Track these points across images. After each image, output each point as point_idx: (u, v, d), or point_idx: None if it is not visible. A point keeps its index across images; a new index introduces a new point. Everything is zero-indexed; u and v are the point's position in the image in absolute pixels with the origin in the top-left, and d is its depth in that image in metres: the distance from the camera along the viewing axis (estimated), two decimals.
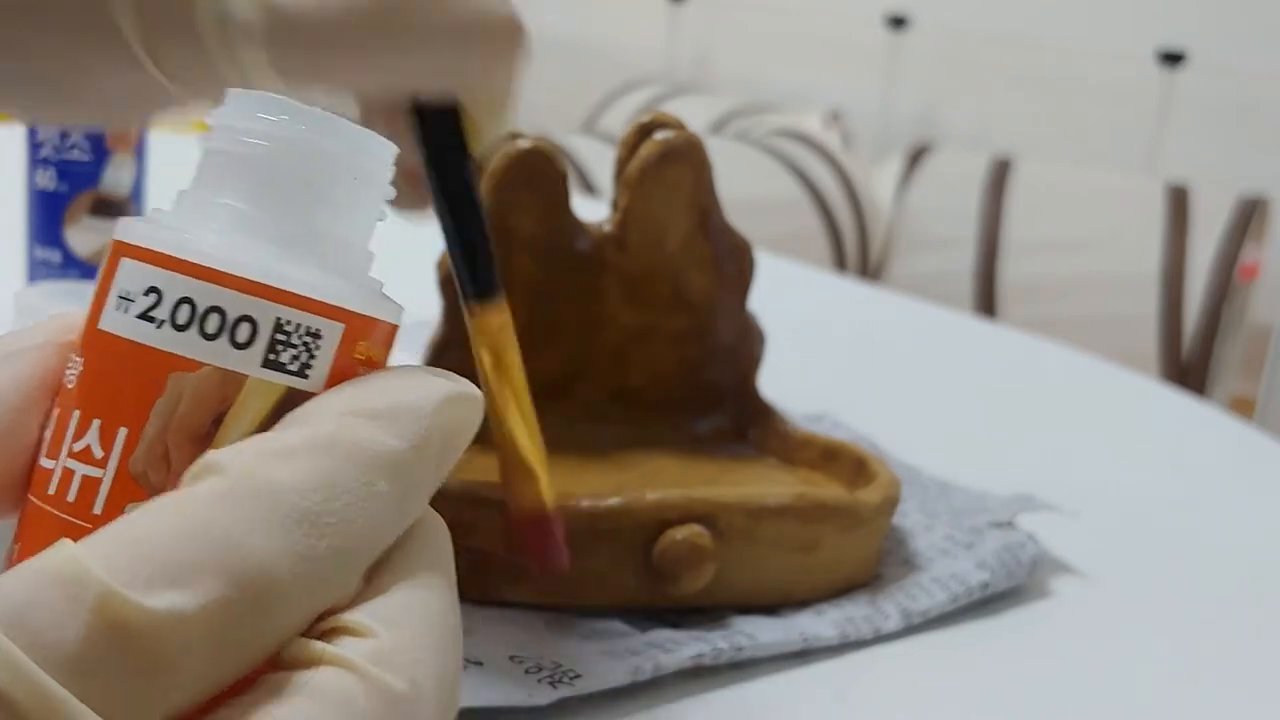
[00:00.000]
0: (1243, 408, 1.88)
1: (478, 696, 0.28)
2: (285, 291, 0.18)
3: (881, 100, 2.46)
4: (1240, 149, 2.15)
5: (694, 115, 2.13)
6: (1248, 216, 1.72)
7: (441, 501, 0.32)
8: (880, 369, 0.60)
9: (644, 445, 0.40)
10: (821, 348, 0.60)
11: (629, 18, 2.82)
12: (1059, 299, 1.78)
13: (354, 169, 0.19)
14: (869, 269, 1.91)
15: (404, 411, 0.17)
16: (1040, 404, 0.57)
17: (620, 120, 2.26)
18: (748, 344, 0.40)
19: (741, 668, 0.32)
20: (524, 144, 0.38)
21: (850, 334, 0.65)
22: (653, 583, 0.32)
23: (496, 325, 0.29)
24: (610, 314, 0.40)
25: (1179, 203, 1.77)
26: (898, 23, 2.41)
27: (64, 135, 0.50)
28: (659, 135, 0.38)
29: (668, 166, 0.38)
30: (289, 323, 0.18)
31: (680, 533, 0.32)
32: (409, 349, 0.49)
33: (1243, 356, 1.76)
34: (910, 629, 0.34)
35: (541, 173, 0.38)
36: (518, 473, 0.29)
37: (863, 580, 0.35)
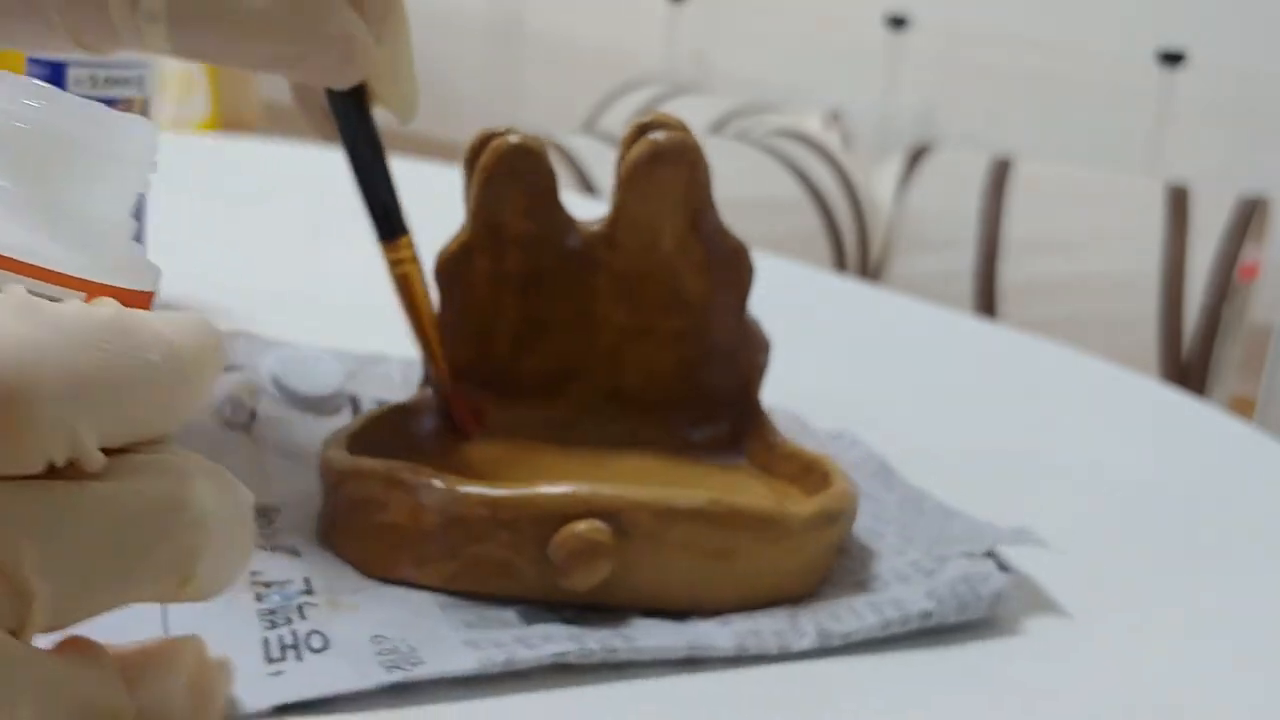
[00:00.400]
0: (1243, 408, 1.88)
1: (314, 675, 0.28)
2: (23, 263, 0.19)
3: (881, 100, 2.46)
4: (1240, 149, 2.15)
5: (694, 115, 2.14)
6: (1248, 216, 1.72)
7: (358, 480, 0.33)
8: (879, 369, 0.60)
9: (634, 447, 0.39)
10: (820, 348, 0.60)
11: (629, 18, 2.82)
12: (1059, 299, 1.78)
13: (108, 150, 0.21)
14: (869, 269, 1.91)
15: (176, 317, 0.20)
16: (1041, 404, 0.57)
17: (620, 120, 2.26)
18: (749, 352, 0.40)
19: (633, 667, 0.31)
20: (512, 140, 0.37)
21: (849, 334, 0.65)
22: (551, 576, 0.32)
23: (404, 256, 0.38)
24: (603, 313, 0.39)
25: (1179, 203, 1.77)
26: (898, 23, 2.41)
27: None
28: (651, 135, 0.37)
29: (657, 167, 0.37)
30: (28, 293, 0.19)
31: (579, 527, 0.31)
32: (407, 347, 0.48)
33: (1242, 356, 1.76)
34: (843, 650, 0.32)
35: (529, 169, 0.38)
36: (431, 363, 0.39)
37: (793, 596, 0.34)
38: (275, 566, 0.33)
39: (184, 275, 0.59)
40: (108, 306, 0.19)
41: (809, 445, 0.43)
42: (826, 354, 0.60)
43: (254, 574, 0.32)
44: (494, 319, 0.40)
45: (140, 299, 0.21)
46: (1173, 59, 2.14)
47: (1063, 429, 0.54)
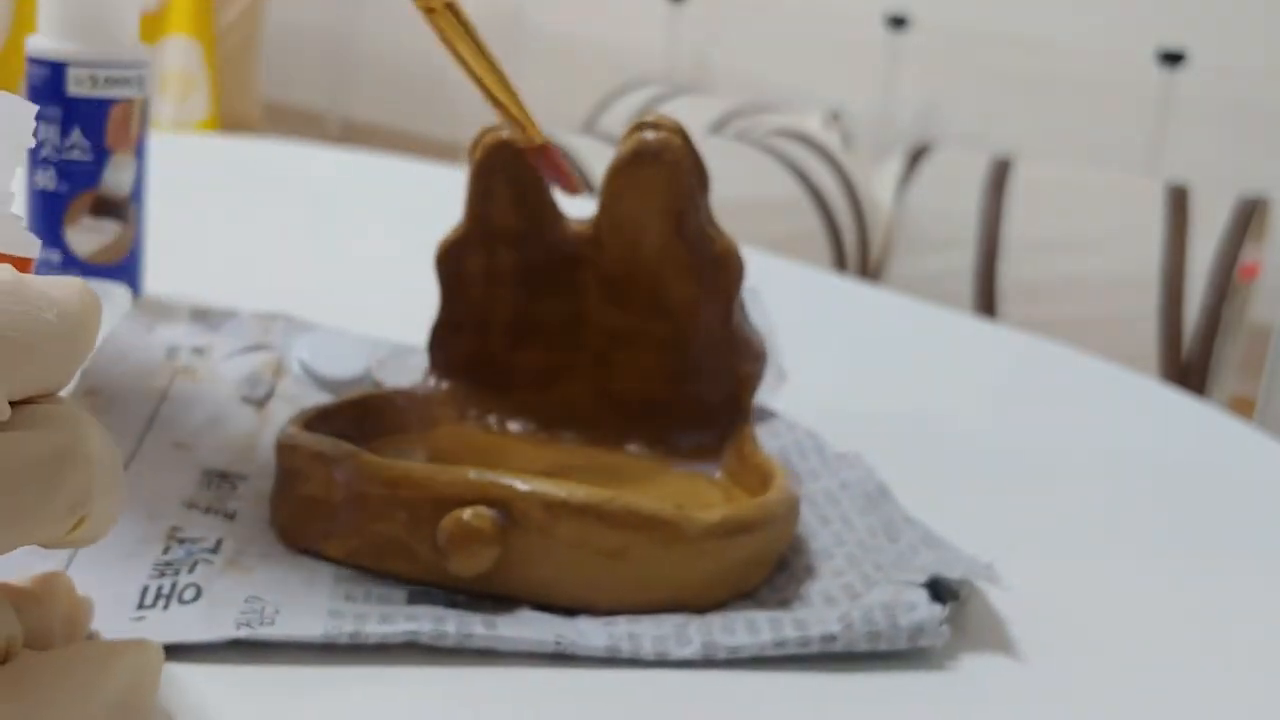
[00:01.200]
0: (1243, 407, 1.88)
1: (169, 624, 0.29)
2: None
3: (881, 100, 2.46)
4: (1240, 149, 2.15)
5: (694, 115, 2.14)
6: (1248, 216, 1.72)
7: (290, 452, 0.33)
8: (878, 369, 0.60)
9: (617, 449, 0.39)
10: (819, 348, 0.60)
11: (629, 18, 2.82)
12: (1059, 299, 1.78)
13: None
14: (869, 269, 1.92)
15: (59, 280, 0.21)
16: (1040, 404, 0.57)
17: (620, 120, 2.26)
18: (739, 360, 0.39)
19: (509, 659, 0.30)
20: (501, 134, 0.38)
21: (849, 334, 0.66)
22: (442, 560, 0.32)
23: (434, 4, 0.35)
24: (591, 312, 0.39)
25: (1179, 203, 1.77)
26: (898, 23, 2.41)
27: (64, 135, 0.50)
28: (639, 135, 0.36)
29: (639, 167, 0.36)
30: None
31: (465, 513, 0.31)
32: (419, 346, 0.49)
33: (1242, 356, 1.76)
34: (752, 665, 0.31)
35: (518, 164, 0.38)
36: (503, 116, 0.36)
37: (695, 605, 0.33)
38: (200, 524, 0.34)
39: (190, 276, 0.59)
40: (3, 271, 0.20)
41: (809, 461, 0.43)
42: (825, 354, 0.60)
43: (174, 528, 0.33)
44: (489, 313, 0.40)
45: (24, 265, 0.22)
46: (1173, 59, 2.14)
47: (1062, 428, 0.54)
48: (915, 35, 2.41)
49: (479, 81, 0.36)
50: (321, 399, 0.42)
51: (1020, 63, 2.34)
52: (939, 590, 0.34)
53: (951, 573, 0.33)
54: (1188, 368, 1.69)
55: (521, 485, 0.32)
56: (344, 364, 0.44)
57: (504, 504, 0.32)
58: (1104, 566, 0.40)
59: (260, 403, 0.41)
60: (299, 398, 0.42)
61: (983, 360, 0.64)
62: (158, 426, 0.38)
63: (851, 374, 0.58)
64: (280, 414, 0.41)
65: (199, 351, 0.44)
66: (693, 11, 2.70)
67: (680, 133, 0.36)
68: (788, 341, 0.51)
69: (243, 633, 0.29)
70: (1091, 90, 2.28)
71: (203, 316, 0.46)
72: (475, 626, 0.30)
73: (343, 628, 0.30)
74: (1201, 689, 0.34)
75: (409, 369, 0.46)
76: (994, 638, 0.34)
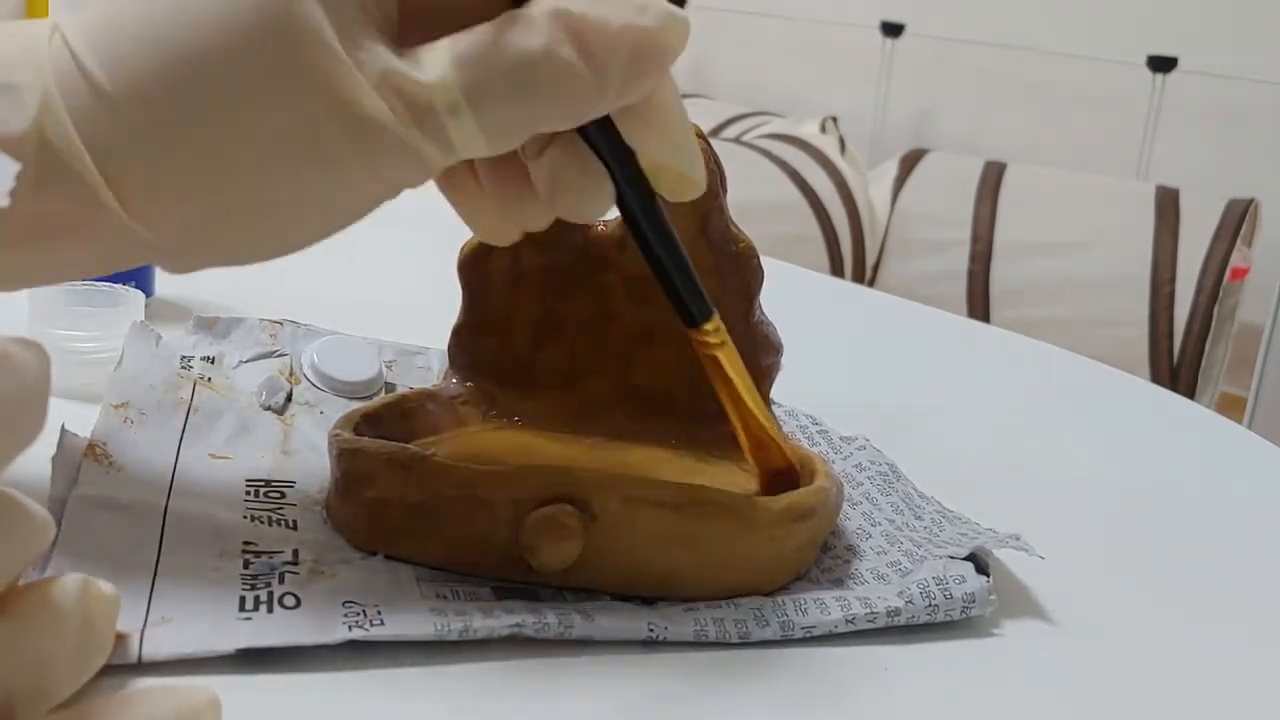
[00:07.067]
0: (1233, 408, 1.89)
1: (278, 627, 0.29)
2: None
3: (877, 105, 2.47)
4: (1230, 152, 2.16)
5: (693, 120, 2.14)
6: (1237, 219, 1.73)
7: (354, 456, 0.34)
8: (874, 371, 0.60)
9: (643, 442, 0.40)
10: (816, 350, 0.61)
11: None
12: (1052, 301, 1.79)
13: None
14: (864, 272, 1.93)
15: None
16: (1033, 404, 0.58)
17: None
18: (759, 354, 0.40)
19: (599, 646, 0.31)
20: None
21: (845, 337, 0.66)
22: (525, 556, 0.32)
23: (712, 339, 0.35)
24: (615, 311, 0.40)
25: (1170, 205, 1.78)
26: (893, 30, 2.42)
27: None
28: None
29: None
30: None
31: (548, 509, 0.32)
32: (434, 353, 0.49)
33: (1232, 357, 1.77)
34: (815, 643, 0.33)
35: None
36: (761, 448, 0.36)
37: (762, 588, 0.34)
38: (270, 536, 0.34)
39: (199, 279, 0.59)
40: None
41: (819, 446, 0.44)
42: (822, 356, 0.61)
43: (247, 543, 0.33)
44: (512, 314, 0.41)
45: None
46: (1163, 64, 2.15)
47: (1054, 428, 0.54)
48: (910, 42, 2.42)
49: (748, 418, 0.36)
50: (339, 403, 0.43)
51: (1013, 69, 2.35)
52: (977, 562, 0.35)
53: (982, 544, 0.35)
54: (1178, 368, 1.70)
55: (600, 480, 0.32)
56: (356, 367, 0.44)
57: (583, 499, 0.32)
58: (1095, 565, 0.40)
59: (279, 408, 0.42)
60: (316, 403, 0.43)
61: (976, 362, 0.65)
62: (191, 439, 0.39)
63: (846, 376, 0.59)
64: (302, 420, 0.41)
65: (210, 360, 0.44)
66: (691, 17, 2.71)
67: (702, 135, 0.38)
68: (784, 343, 0.52)
69: (355, 634, 0.29)
70: (1083, 95, 2.29)
71: (209, 325, 0.46)
72: (573, 617, 0.31)
73: (451, 625, 0.30)
74: (1189, 688, 0.34)
75: (417, 370, 0.46)
76: (984, 629, 0.35)
